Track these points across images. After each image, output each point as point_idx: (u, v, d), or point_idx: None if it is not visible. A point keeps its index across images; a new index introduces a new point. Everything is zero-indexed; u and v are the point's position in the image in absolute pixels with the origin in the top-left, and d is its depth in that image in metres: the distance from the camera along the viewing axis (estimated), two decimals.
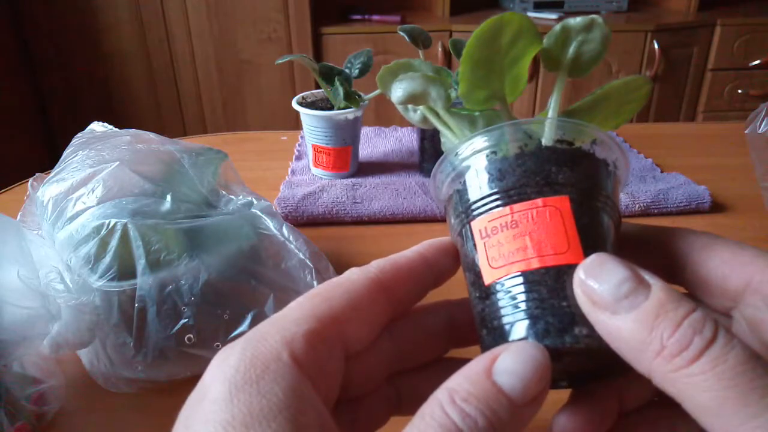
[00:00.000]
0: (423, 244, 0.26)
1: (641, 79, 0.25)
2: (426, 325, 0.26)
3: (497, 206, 0.23)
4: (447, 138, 0.28)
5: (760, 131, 0.56)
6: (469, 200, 0.24)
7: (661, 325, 0.18)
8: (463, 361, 0.26)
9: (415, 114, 0.30)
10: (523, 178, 0.23)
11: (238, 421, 0.17)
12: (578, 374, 0.24)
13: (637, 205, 0.66)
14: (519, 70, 0.26)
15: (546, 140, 0.24)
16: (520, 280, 0.22)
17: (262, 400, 0.18)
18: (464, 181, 0.25)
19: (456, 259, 0.26)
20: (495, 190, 0.23)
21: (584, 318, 0.20)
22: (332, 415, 0.20)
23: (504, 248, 0.22)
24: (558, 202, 0.22)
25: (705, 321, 0.18)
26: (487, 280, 0.23)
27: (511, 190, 0.23)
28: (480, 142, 0.24)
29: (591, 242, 0.22)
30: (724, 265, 0.22)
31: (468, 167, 0.24)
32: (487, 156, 0.24)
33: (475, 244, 0.24)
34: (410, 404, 0.26)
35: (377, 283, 0.23)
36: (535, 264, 0.22)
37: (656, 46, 1.89)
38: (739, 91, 2.02)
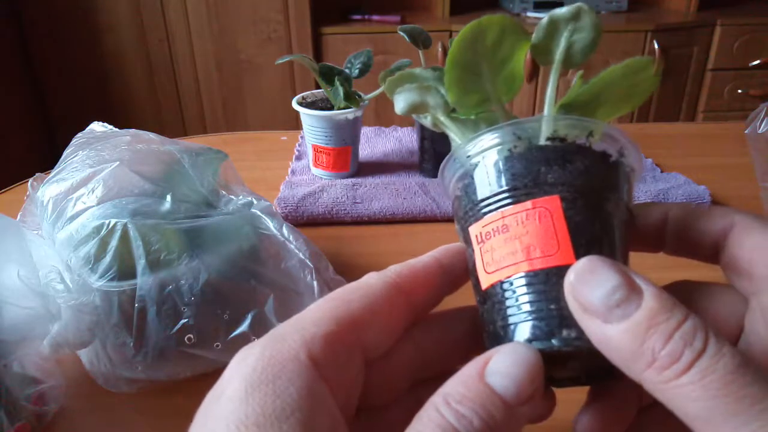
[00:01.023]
0: (438, 249, 0.26)
1: (643, 60, 0.24)
2: (449, 331, 0.26)
3: (490, 211, 0.23)
4: (454, 141, 0.28)
5: (760, 131, 0.56)
6: (465, 206, 0.24)
7: (653, 337, 0.18)
8: None
9: (427, 119, 0.30)
10: (512, 181, 0.23)
11: (251, 421, 0.17)
12: (581, 373, 0.24)
13: None
14: (512, 68, 0.25)
15: (538, 140, 0.23)
16: (511, 284, 0.22)
17: (277, 400, 0.18)
18: (462, 187, 0.25)
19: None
20: (486, 195, 0.23)
21: (574, 320, 0.20)
22: (352, 424, 0.20)
23: (496, 253, 0.22)
24: (548, 203, 0.22)
25: (696, 331, 0.18)
26: (484, 285, 0.23)
27: (500, 195, 0.23)
28: (470, 147, 0.24)
29: (584, 241, 0.21)
30: (755, 250, 0.22)
31: (464, 173, 0.25)
32: (478, 162, 0.24)
33: (473, 250, 0.24)
34: None
35: (396, 287, 0.23)
36: (524, 267, 0.21)
37: (656, 46, 1.89)
38: (739, 91, 2.02)
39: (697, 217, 0.24)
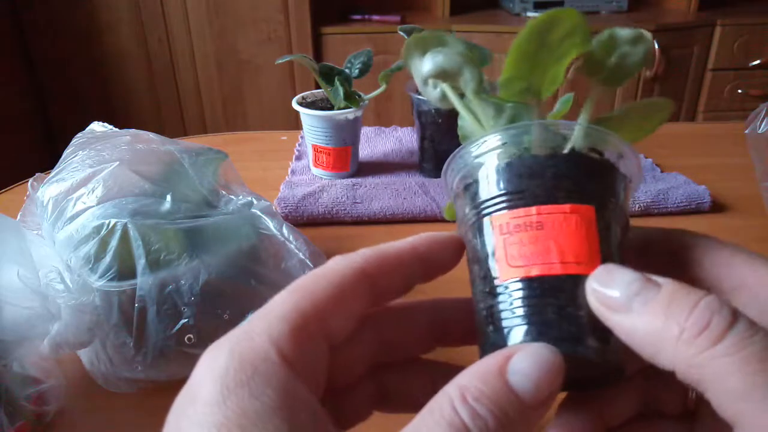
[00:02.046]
0: (418, 236, 0.25)
1: (665, 101, 0.26)
2: (412, 322, 0.26)
3: (522, 204, 0.23)
4: (466, 122, 0.27)
5: (760, 131, 0.56)
6: (492, 193, 0.24)
7: (676, 310, 0.18)
8: (448, 365, 0.26)
9: (435, 90, 0.28)
10: (553, 180, 0.23)
11: (233, 423, 0.17)
12: (576, 381, 0.24)
13: (637, 205, 0.66)
14: (559, 68, 0.25)
15: (579, 146, 0.23)
16: (540, 283, 0.22)
17: (255, 402, 0.18)
18: (488, 173, 0.24)
19: (455, 254, 0.25)
20: (522, 187, 0.23)
21: (595, 329, 0.21)
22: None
23: (526, 248, 0.22)
24: (585, 211, 0.22)
25: (721, 303, 0.18)
26: (504, 277, 0.22)
27: (539, 190, 0.23)
28: (511, 134, 0.24)
29: (607, 255, 0.22)
30: (720, 266, 0.23)
31: (496, 159, 0.24)
32: (518, 151, 0.23)
33: (492, 239, 0.23)
34: (393, 401, 0.26)
35: (361, 272, 0.23)
36: (556, 270, 0.21)
37: (656, 46, 1.89)
38: (739, 91, 2.02)
39: (656, 238, 0.25)
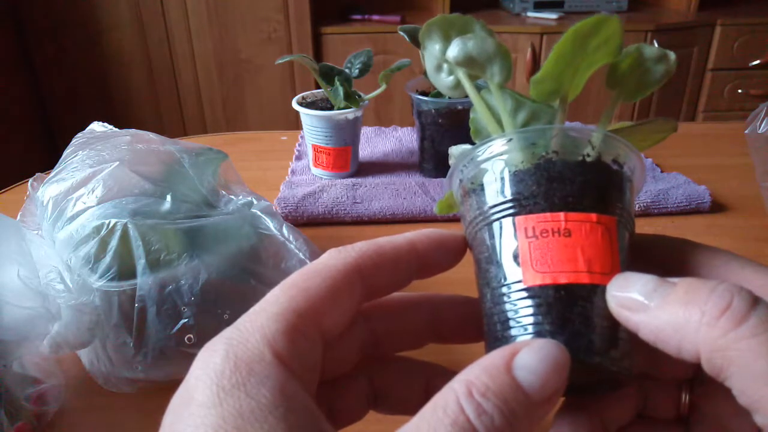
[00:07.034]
0: (417, 233, 0.25)
1: (671, 122, 0.26)
2: (405, 320, 0.26)
3: (548, 209, 0.22)
4: (478, 115, 0.26)
5: (760, 131, 0.56)
6: (517, 194, 0.23)
7: (695, 296, 0.18)
8: (441, 367, 0.26)
9: (447, 78, 0.27)
10: (582, 188, 0.22)
11: (230, 425, 0.17)
12: (587, 386, 0.24)
13: (637, 205, 0.66)
14: (585, 76, 0.25)
15: (604, 157, 0.23)
16: (566, 291, 0.21)
17: (252, 402, 0.18)
18: (512, 173, 0.23)
19: (455, 254, 0.25)
20: (552, 191, 0.22)
21: (612, 338, 0.21)
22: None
23: (553, 254, 0.22)
24: (610, 222, 0.22)
25: (740, 287, 0.18)
26: (528, 281, 0.22)
27: (568, 197, 0.22)
28: (535, 136, 0.23)
29: (623, 265, 0.22)
30: (702, 268, 0.23)
31: (522, 159, 0.23)
32: (547, 154, 0.23)
33: (515, 241, 0.22)
34: (386, 400, 0.26)
35: (355, 268, 0.22)
36: (584, 279, 0.21)
37: (656, 46, 1.89)
38: (739, 91, 2.02)
39: (639, 243, 0.25)
